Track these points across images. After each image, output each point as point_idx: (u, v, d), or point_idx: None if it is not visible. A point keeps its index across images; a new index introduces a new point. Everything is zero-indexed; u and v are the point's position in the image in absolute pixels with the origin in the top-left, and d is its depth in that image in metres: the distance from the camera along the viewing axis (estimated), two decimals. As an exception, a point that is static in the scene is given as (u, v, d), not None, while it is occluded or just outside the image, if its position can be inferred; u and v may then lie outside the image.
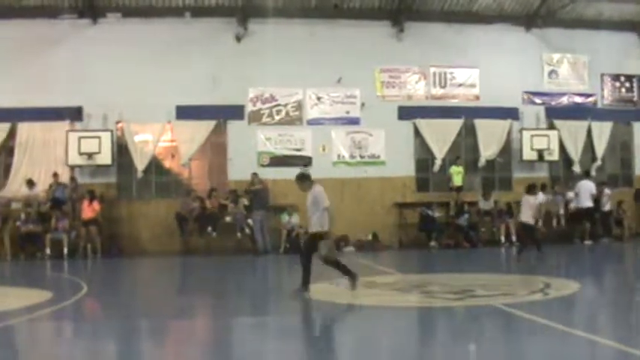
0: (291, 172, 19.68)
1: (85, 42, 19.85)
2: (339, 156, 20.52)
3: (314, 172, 19.71)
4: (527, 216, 15.43)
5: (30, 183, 19.21)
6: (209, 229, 19.06)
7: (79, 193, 19.18)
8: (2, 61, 19.64)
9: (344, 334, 8.23)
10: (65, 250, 18.36)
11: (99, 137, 19.21)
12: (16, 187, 19.62)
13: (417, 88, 21.07)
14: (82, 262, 17.79)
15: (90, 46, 19.76)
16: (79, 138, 19.21)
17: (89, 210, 18.77)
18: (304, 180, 10.84)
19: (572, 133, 21.62)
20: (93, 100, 19.54)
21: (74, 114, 19.65)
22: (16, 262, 18.01)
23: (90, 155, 19.16)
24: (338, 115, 20.54)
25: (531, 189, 15.95)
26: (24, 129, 19.80)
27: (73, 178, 19.33)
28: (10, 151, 19.96)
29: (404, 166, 20.84)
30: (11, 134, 19.89)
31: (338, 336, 8.16)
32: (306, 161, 19.94)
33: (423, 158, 21.15)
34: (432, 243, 19.57)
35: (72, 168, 19.53)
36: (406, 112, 20.85)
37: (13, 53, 19.69)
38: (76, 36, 19.95)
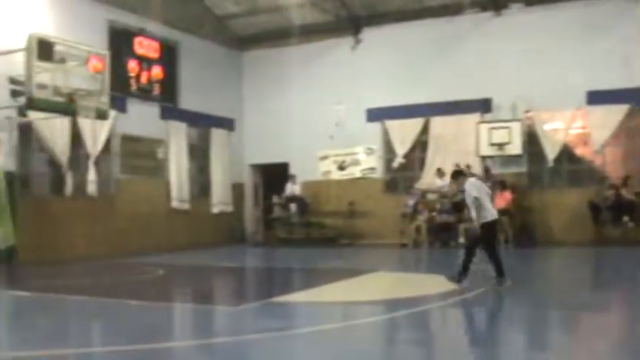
0: None
1: (490, 34, 20.28)
2: None
3: None
4: None
5: (440, 173, 20.15)
6: (625, 218, 18.22)
7: (491, 184, 19.65)
8: (414, 61, 21.21)
9: None
10: (477, 239, 19.02)
11: (509, 127, 19.50)
12: (430, 179, 20.85)
13: None
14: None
15: (495, 38, 20.12)
16: (490, 129, 19.73)
17: (501, 200, 19.12)
18: (457, 177, 10.77)
19: None
20: (501, 90, 19.90)
21: (484, 106, 20.25)
22: (431, 250, 19.16)
23: (500, 145, 19.55)
24: None
25: None
26: (436, 123, 20.95)
27: (487, 169, 19.88)
28: (424, 145, 21.26)
29: None
30: (425, 129, 21.17)
31: None
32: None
33: None
34: None
35: (483, 159, 20.13)
36: None
37: (422, 53, 21.16)
38: (480, 30, 20.54)
